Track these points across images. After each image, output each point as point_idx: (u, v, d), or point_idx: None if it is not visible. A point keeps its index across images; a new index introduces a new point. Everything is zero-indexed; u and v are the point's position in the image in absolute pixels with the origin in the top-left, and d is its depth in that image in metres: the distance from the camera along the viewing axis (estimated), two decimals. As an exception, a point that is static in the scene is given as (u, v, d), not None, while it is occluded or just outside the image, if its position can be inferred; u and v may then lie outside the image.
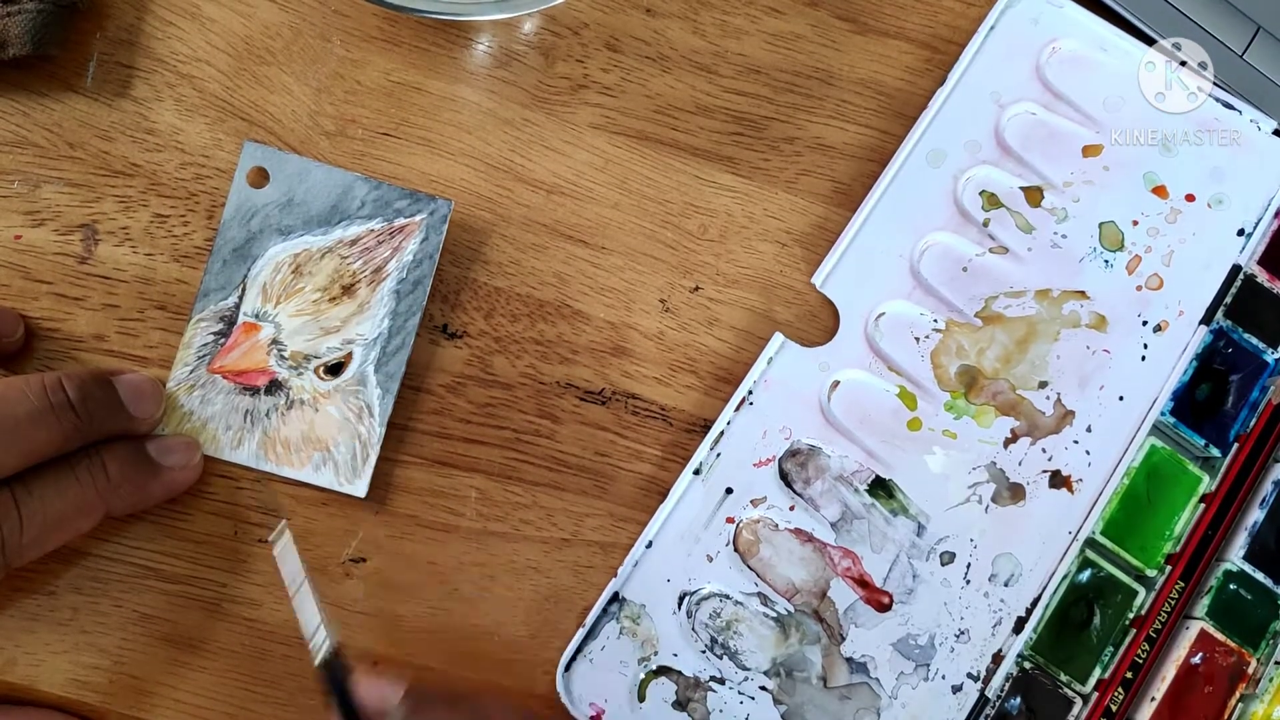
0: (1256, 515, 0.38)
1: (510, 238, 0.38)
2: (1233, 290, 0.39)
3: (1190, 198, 0.40)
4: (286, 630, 0.35)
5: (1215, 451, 0.38)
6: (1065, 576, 0.37)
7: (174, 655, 0.34)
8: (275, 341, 0.35)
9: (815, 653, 0.36)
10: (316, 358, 0.35)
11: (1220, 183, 0.40)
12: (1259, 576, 0.37)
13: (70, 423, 0.31)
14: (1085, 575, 0.37)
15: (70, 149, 0.36)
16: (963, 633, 0.36)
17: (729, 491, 0.36)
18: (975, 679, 0.36)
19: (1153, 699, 0.36)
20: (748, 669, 0.35)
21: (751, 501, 0.36)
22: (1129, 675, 0.36)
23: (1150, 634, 0.37)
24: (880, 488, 0.37)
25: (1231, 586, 0.37)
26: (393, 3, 0.33)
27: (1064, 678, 0.36)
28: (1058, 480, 0.38)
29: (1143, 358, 0.39)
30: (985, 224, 0.39)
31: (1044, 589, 0.37)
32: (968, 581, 0.37)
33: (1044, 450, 0.38)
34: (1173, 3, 0.41)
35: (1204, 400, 0.39)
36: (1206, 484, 0.38)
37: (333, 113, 0.37)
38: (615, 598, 0.35)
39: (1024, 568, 0.37)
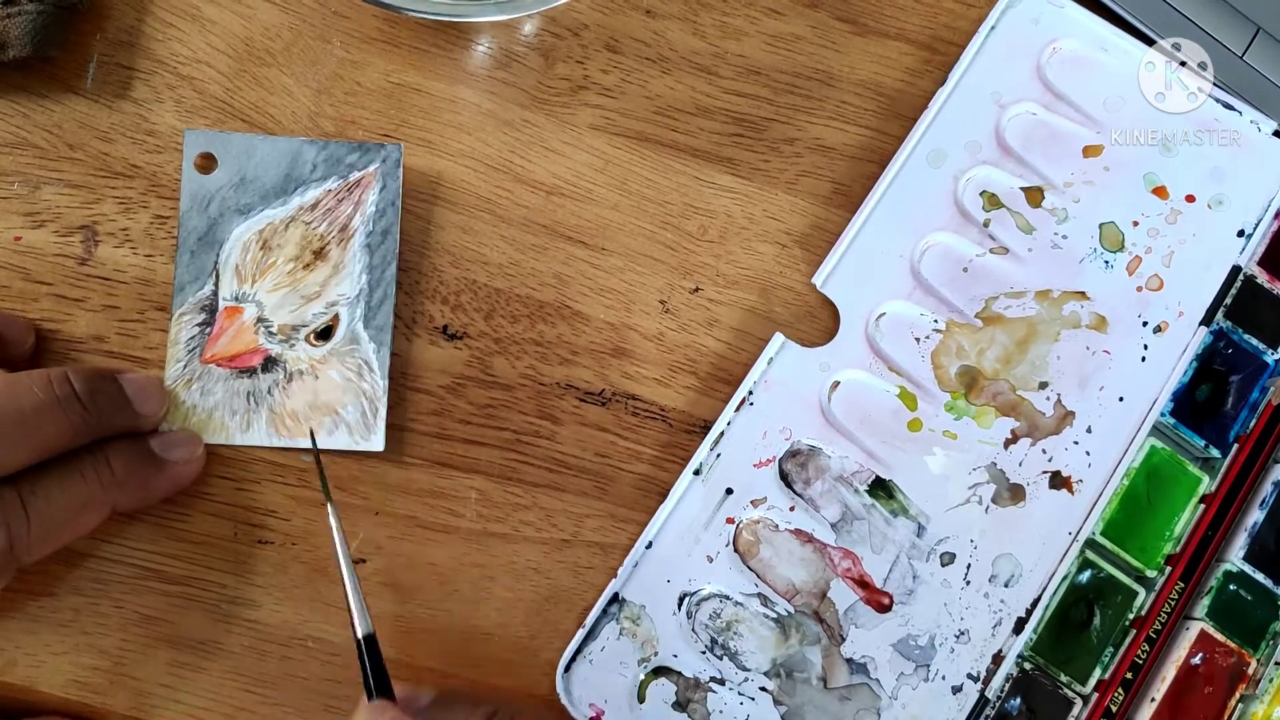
0: (1256, 516, 0.38)
1: (510, 239, 0.38)
2: (1233, 291, 0.39)
3: (1190, 198, 0.40)
4: (286, 631, 0.35)
5: (1215, 452, 0.38)
6: (1065, 577, 0.37)
7: (174, 656, 0.34)
8: (260, 319, 0.35)
9: (815, 653, 0.36)
10: (304, 326, 0.35)
11: (1220, 183, 0.40)
12: (1259, 577, 0.37)
13: (77, 416, 0.31)
14: (1085, 576, 0.37)
15: (70, 150, 0.36)
16: (963, 633, 0.36)
17: (729, 492, 0.36)
18: (975, 680, 0.36)
19: (1153, 699, 0.36)
20: (748, 670, 0.35)
21: (751, 502, 0.36)
22: (1129, 676, 0.36)
23: (1150, 635, 0.37)
24: (880, 488, 0.37)
25: (1231, 587, 0.37)
26: (393, 4, 0.33)
27: (1064, 678, 0.36)
28: (1058, 481, 0.38)
29: (1143, 358, 0.39)
30: (986, 224, 0.39)
31: (1044, 590, 0.37)
32: (968, 582, 0.37)
33: (1044, 451, 0.38)
34: (1173, 3, 0.41)
35: (1204, 401, 0.39)
36: (1206, 485, 0.38)
37: (333, 114, 0.37)
38: (615, 598, 0.35)
39: (1024, 568, 0.37)
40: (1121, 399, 0.38)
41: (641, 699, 0.35)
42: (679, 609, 0.36)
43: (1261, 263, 0.40)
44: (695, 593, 0.36)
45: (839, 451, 0.37)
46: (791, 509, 0.37)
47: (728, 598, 0.36)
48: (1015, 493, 0.37)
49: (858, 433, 0.37)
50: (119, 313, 0.35)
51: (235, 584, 0.35)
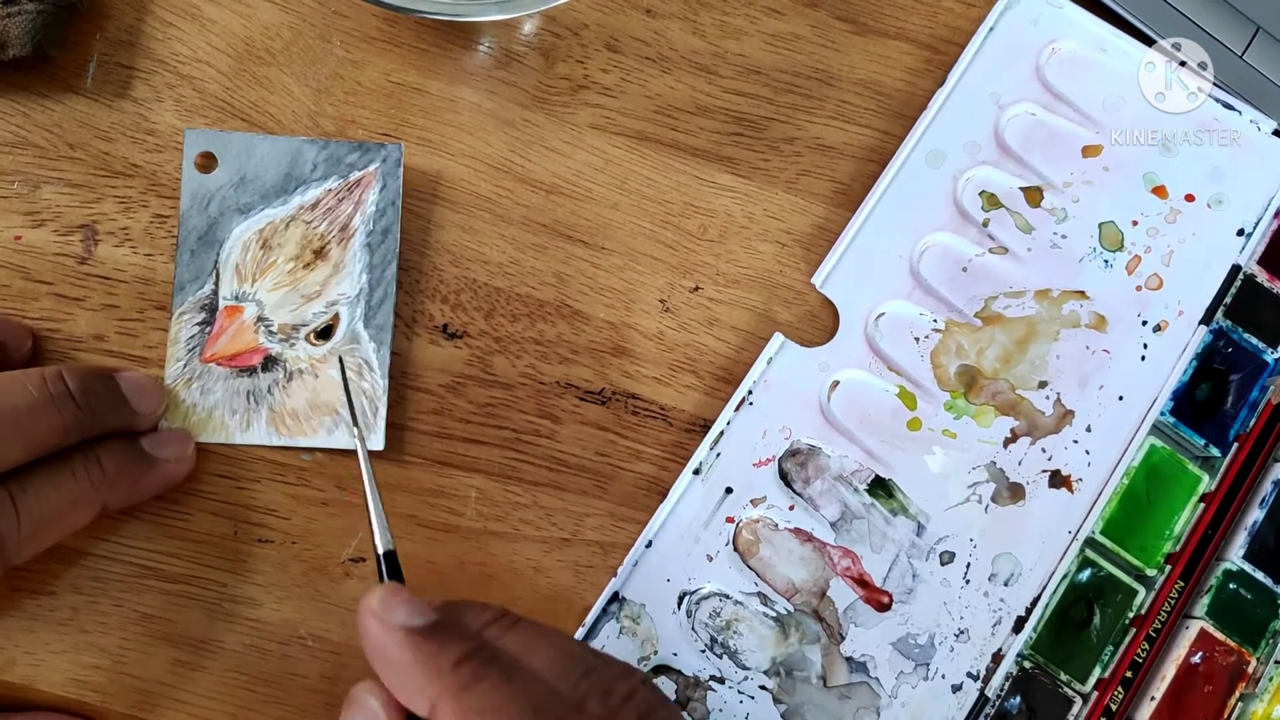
0: (1256, 515, 0.38)
1: (510, 238, 0.38)
2: (1232, 290, 0.39)
3: (1190, 198, 0.40)
4: (287, 630, 0.35)
5: (1215, 451, 0.38)
6: (1065, 576, 0.37)
7: (174, 655, 0.34)
8: (260, 319, 0.35)
9: (815, 652, 0.36)
10: (304, 325, 0.35)
11: (1220, 183, 0.40)
12: (1259, 576, 0.37)
13: (70, 413, 0.31)
14: (1085, 575, 0.37)
15: (70, 150, 0.36)
16: (962, 632, 0.36)
17: (729, 491, 0.36)
18: (975, 678, 0.36)
19: (1152, 698, 0.36)
20: (747, 668, 0.35)
21: (751, 501, 0.36)
22: (1129, 675, 0.36)
23: (1150, 633, 0.37)
24: (880, 487, 0.37)
25: (1231, 586, 0.37)
26: (393, 3, 0.33)
27: (1064, 677, 0.36)
28: (1057, 480, 0.38)
29: (1142, 357, 0.39)
30: (985, 224, 0.39)
31: (1044, 588, 0.37)
32: (967, 581, 0.37)
33: (1044, 450, 0.38)
34: (1173, 3, 0.41)
35: (1204, 400, 0.39)
36: (1206, 483, 0.38)
37: (333, 113, 0.37)
38: (615, 597, 0.35)
39: (1024, 567, 0.37)
40: (1121, 398, 0.38)
41: (641, 698, 0.35)
42: (679, 608, 0.36)
43: (1261, 262, 0.40)
44: (695, 591, 0.36)
45: (838, 451, 0.37)
46: (791, 508, 0.37)
47: (727, 596, 0.36)
48: (1015, 492, 0.37)
49: (857, 432, 0.37)
50: (119, 312, 0.35)
51: (235, 582, 0.35)
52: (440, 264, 0.37)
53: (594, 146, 0.38)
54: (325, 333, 0.35)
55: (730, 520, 0.36)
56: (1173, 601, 0.37)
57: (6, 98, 0.36)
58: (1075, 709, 0.36)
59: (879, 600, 0.36)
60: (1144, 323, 0.39)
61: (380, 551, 0.30)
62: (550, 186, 0.38)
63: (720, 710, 0.35)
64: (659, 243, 0.38)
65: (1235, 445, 0.38)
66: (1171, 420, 0.38)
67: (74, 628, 0.34)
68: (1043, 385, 0.38)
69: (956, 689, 0.36)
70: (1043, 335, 0.39)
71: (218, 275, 0.35)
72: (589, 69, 0.39)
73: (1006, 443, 0.38)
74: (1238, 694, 0.36)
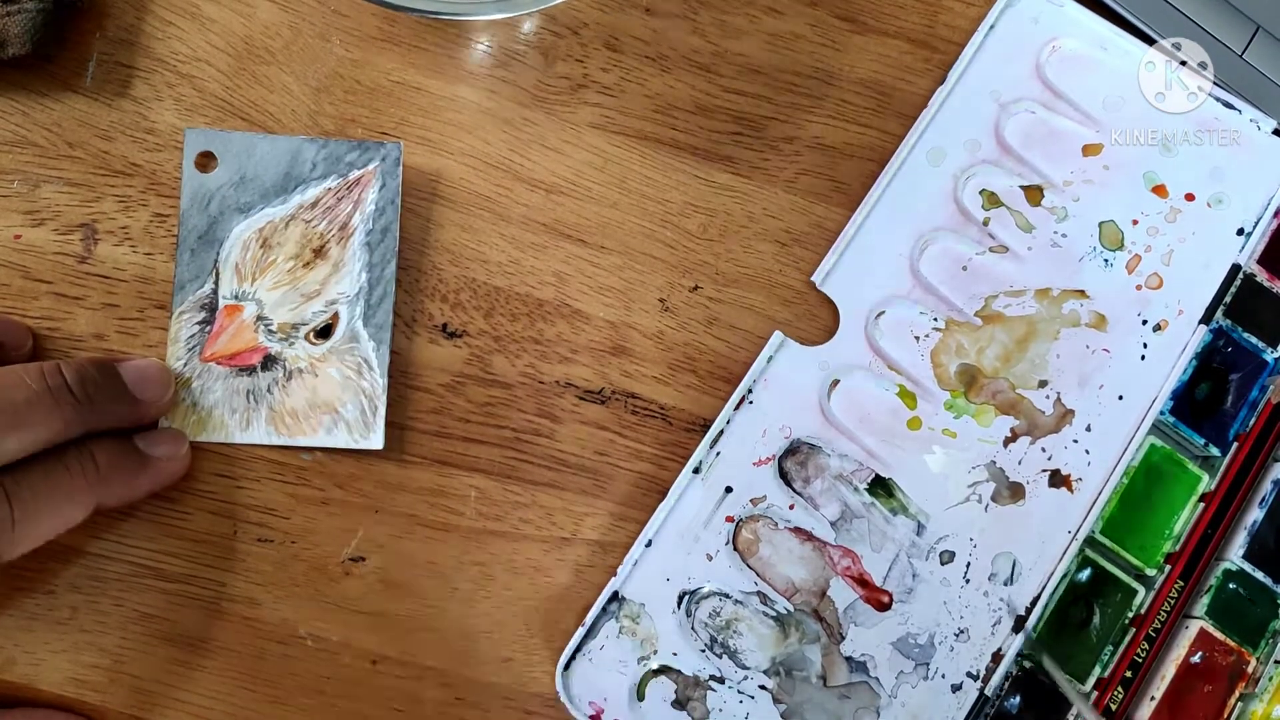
0: (1256, 514, 0.38)
1: (510, 237, 0.38)
2: (1232, 289, 0.39)
3: (1190, 197, 0.40)
4: (286, 629, 0.35)
5: (1215, 451, 0.38)
6: (1065, 575, 0.37)
7: (173, 654, 0.34)
8: (260, 318, 0.35)
9: (815, 651, 0.36)
10: (304, 324, 0.35)
11: (1220, 182, 0.40)
12: (1258, 575, 0.37)
13: (69, 407, 0.31)
14: (1085, 574, 0.37)
15: (70, 148, 0.36)
16: (962, 632, 0.36)
17: (728, 490, 0.36)
18: (975, 678, 0.36)
19: (1152, 698, 0.36)
20: (747, 668, 0.35)
21: (751, 500, 0.36)
22: (1128, 674, 0.36)
23: (1150, 633, 0.37)
24: (880, 486, 0.37)
25: (1231, 585, 0.37)
26: (392, 2, 0.33)
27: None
28: (1057, 479, 0.38)
29: (1142, 357, 0.39)
30: (985, 223, 0.39)
31: (1043, 588, 0.37)
32: (967, 580, 0.37)
33: (1043, 449, 0.38)
34: (1173, 3, 0.41)
35: (1203, 399, 0.39)
36: (1206, 483, 0.38)
37: (332, 112, 0.37)
38: (615, 597, 0.35)
39: (1023, 567, 0.37)
40: (1121, 397, 0.38)
41: (641, 697, 0.35)
42: (678, 607, 0.36)
43: (1261, 261, 0.40)
44: (695, 591, 0.36)
45: (838, 450, 0.37)
46: (791, 507, 0.37)
47: (727, 596, 0.36)
48: (1015, 491, 0.37)
49: (857, 431, 0.37)
50: (119, 311, 0.35)
51: (235, 582, 0.35)
52: (440, 263, 0.37)
53: (593, 145, 0.38)
54: (325, 332, 0.35)
55: (730, 519, 0.36)
56: (1172, 601, 0.37)
57: (6, 96, 0.36)
58: (1075, 709, 0.36)
59: (879, 600, 0.36)
60: (1144, 322, 0.39)
61: None
62: (550, 186, 0.38)
63: (720, 710, 0.35)
64: (658, 242, 0.38)
65: (1235, 445, 0.38)
66: (1171, 420, 0.38)
67: (73, 627, 0.34)
68: (1043, 384, 0.38)
69: (956, 689, 0.36)
70: (1043, 334, 0.39)
71: (217, 274, 0.35)
72: (588, 68, 0.39)
73: (1006, 442, 0.38)
74: (1237, 694, 0.36)
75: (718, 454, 0.37)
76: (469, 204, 0.38)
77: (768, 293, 0.39)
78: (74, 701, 0.34)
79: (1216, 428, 0.38)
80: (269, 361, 0.35)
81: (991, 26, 0.40)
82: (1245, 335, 0.39)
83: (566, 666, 0.35)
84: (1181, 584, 0.37)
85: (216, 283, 0.35)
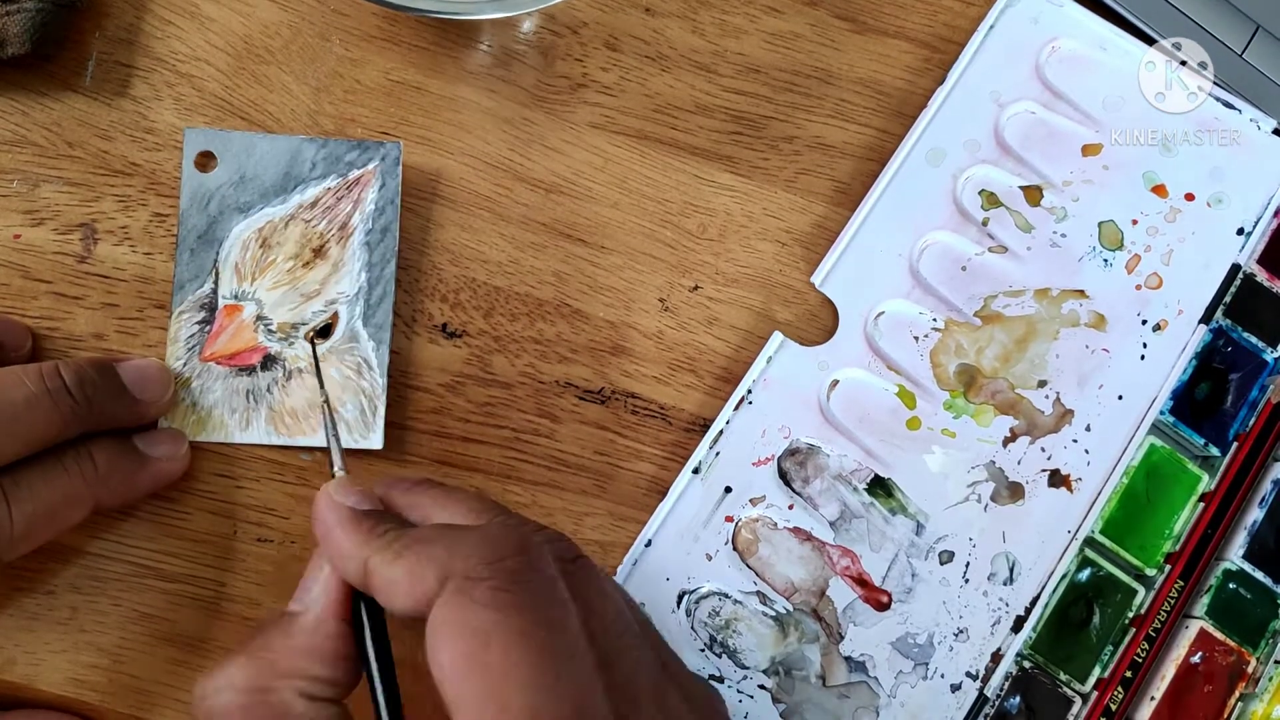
0: (1256, 514, 0.38)
1: (509, 237, 0.38)
2: (1232, 289, 0.39)
3: (1190, 197, 0.40)
4: (286, 629, 0.35)
5: (1214, 450, 0.38)
6: (1064, 575, 0.37)
7: (173, 654, 0.34)
8: (260, 317, 0.35)
9: (814, 651, 0.36)
10: (304, 324, 0.35)
11: (1220, 182, 0.40)
12: (1258, 575, 0.37)
13: (67, 407, 0.31)
14: (1085, 574, 0.37)
15: (69, 148, 0.36)
16: (961, 631, 0.36)
17: (728, 490, 0.36)
18: (974, 678, 0.36)
19: (1152, 698, 0.36)
20: (747, 667, 0.35)
21: (750, 500, 0.36)
22: (1128, 674, 0.36)
23: (1150, 633, 0.37)
24: (879, 486, 0.37)
25: (1231, 585, 0.37)
26: (392, 2, 0.33)
27: (1063, 677, 0.36)
28: (1057, 479, 0.38)
29: (1142, 357, 0.39)
30: (984, 223, 0.39)
31: (1043, 588, 0.37)
32: (966, 580, 0.37)
33: (1043, 449, 0.38)
34: (1173, 3, 0.41)
35: (1203, 399, 0.39)
36: (1206, 483, 0.38)
37: (332, 112, 0.37)
38: (614, 597, 0.35)
39: (1023, 567, 0.37)
40: (1121, 397, 0.38)
41: (640, 697, 0.35)
42: (678, 607, 0.36)
43: (1261, 261, 0.40)
44: (694, 591, 0.36)
45: (838, 450, 0.37)
46: (790, 507, 0.37)
47: (727, 596, 0.36)
48: (1014, 491, 0.37)
49: (856, 431, 0.37)
50: (118, 310, 0.35)
51: (235, 582, 0.35)
52: (439, 263, 0.37)
53: (593, 145, 0.38)
54: (324, 331, 0.35)
55: (729, 519, 0.36)
56: (1172, 601, 0.37)
57: (5, 96, 0.36)
58: (1075, 709, 0.36)
59: (878, 599, 0.36)
60: (1144, 322, 0.39)
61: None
62: (550, 185, 0.38)
63: (719, 709, 0.35)
64: (658, 242, 0.38)
65: (1235, 444, 0.38)
66: (1171, 419, 0.38)
67: (73, 627, 0.34)
68: (1042, 384, 0.38)
69: (956, 688, 0.36)
70: (1042, 334, 0.39)
71: (217, 274, 0.35)
72: (588, 67, 0.39)
73: (1006, 442, 0.38)
74: (1237, 694, 0.36)
75: (717, 454, 0.37)
76: (469, 204, 0.38)
77: (767, 293, 0.39)
78: (74, 702, 0.33)
79: (1216, 427, 0.38)
80: (269, 361, 0.35)
81: (991, 26, 0.40)
82: (1245, 335, 0.39)
83: (566, 666, 0.35)
84: (1181, 584, 0.37)
85: (216, 282, 0.35)
